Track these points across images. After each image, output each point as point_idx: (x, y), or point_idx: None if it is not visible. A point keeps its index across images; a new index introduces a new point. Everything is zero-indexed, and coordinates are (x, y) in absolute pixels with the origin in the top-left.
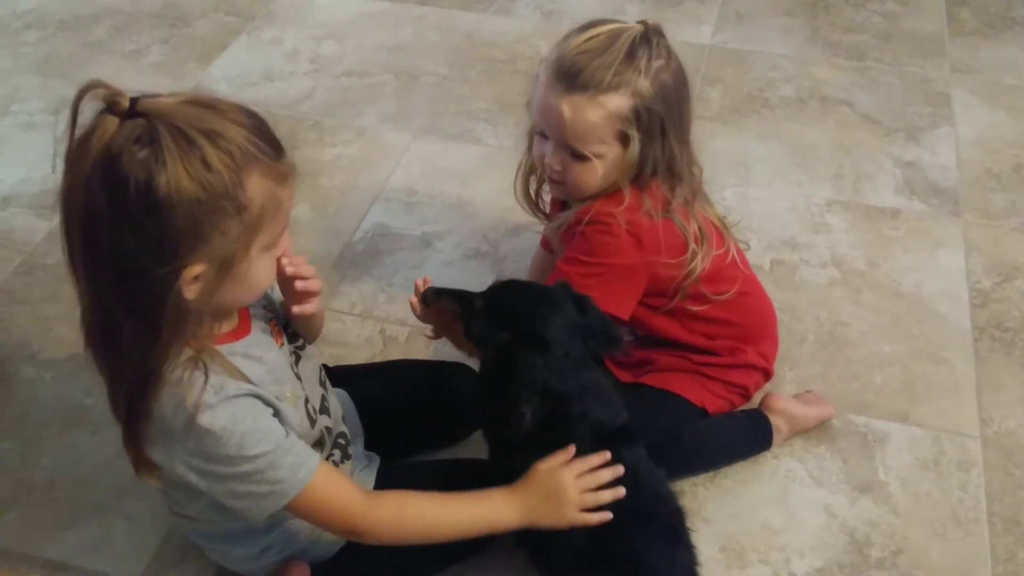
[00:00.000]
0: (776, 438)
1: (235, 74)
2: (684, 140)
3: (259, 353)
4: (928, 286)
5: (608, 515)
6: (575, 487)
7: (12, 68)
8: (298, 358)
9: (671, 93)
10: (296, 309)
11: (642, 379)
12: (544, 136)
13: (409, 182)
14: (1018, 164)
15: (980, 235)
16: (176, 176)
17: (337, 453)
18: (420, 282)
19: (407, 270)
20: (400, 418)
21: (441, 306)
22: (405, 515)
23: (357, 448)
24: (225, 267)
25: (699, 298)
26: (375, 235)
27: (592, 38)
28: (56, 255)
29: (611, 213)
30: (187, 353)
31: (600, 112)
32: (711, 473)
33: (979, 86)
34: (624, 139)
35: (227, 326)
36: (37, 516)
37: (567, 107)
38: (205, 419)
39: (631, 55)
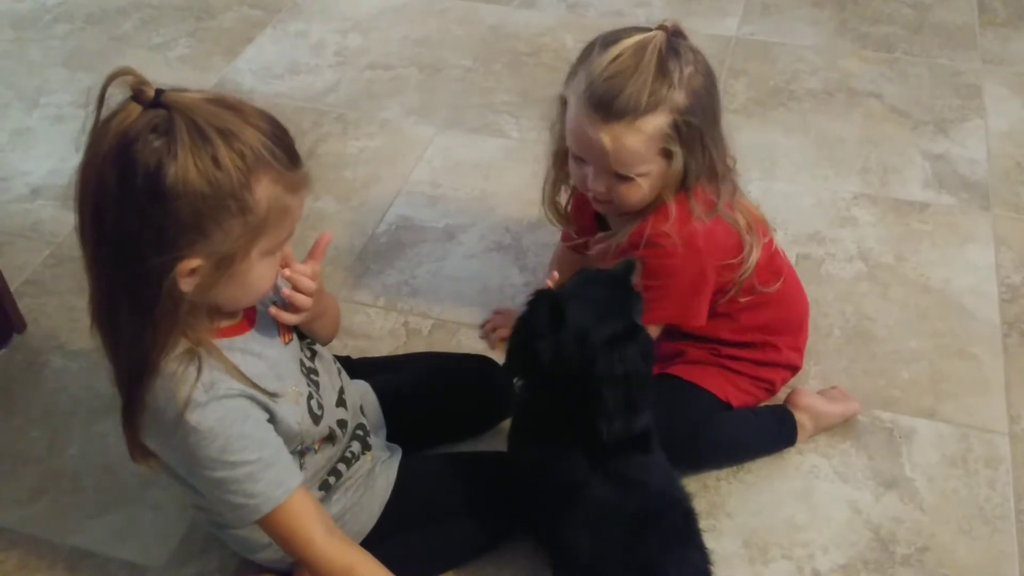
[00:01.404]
0: (800, 435)
1: (260, 67)
2: (719, 138)
3: (259, 349)
4: (956, 281)
5: None
6: None
7: (41, 61)
8: (314, 353)
9: (704, 97)
10: (272, 310)
11: (668, 369)
12: (582, 159)
13: (432, 175)
14: None
15: (1010, 229)
16: (184, 168)
17: (356, 445)
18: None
19: (430, 263)
20: (423, 410)
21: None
22: (358, 564)
23: (379, 440)
24: (223, 265)
25: (749, 290)
26: (399, 228)
27: (617, 58)
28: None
29: (664, 233)
30: (184, 345)
31: (640, 136)
32: (734, 468)
33: (1011, 78)
34: (668, 154)
35: (229, 320)
36: (64, 504)
37: (607, 138)
38: (193, 417)
39: (662, 70)
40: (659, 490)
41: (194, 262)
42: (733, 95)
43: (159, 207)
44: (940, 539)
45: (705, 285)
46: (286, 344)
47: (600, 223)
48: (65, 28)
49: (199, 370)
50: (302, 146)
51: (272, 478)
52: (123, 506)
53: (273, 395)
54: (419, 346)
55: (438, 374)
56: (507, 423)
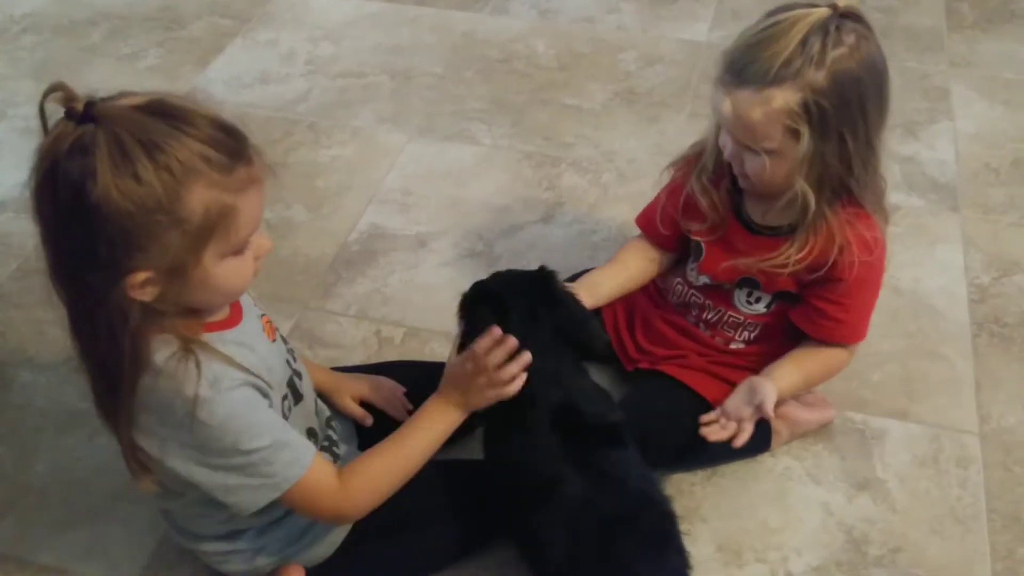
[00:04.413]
0: (775, 440)
1: (231, 76)
2: (863, 136)
3: (250, 342)
4: (926, 282)
5: (520, 382)
6: (488, 359)
7: (9, 73)
8: (295, 359)
9: (848, 85)
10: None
11: (660, 367)
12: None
13: (404, 182)
14: (1017, 159)
15: (979, 230)
16: (105, 188)
17: (327, 456)
18: None
19: (403, 271)
20: (395, 419)
21: None
22: (374, 477)
23: (351, 449)
24: (176, 274)
25: None
26: (371, 236)
27: (768, 27)
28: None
29: (878, 240)
30: (177, 343)
31: (764, 108)
32: (708, 472)
33: (978, 80)
34: (796, 135)
35: (217, 316)
36: (32, 520)
37: (730, 103)
38: (203, 414)
39: (804, 44)
40: (637, 489)
41: (141, 275)
42: (705, 100)
43: (87, 228)
44: (912, 539)
45: None
46: (272, 342)
47: (743, 223)
48: (32, 39)
49: (199, 365)
50: (273, 155)
51: (287, 457)
52: (92, 521)
53: (267, 384)
54: (391, 355)
55: (410, 383)
56: (480, 431)
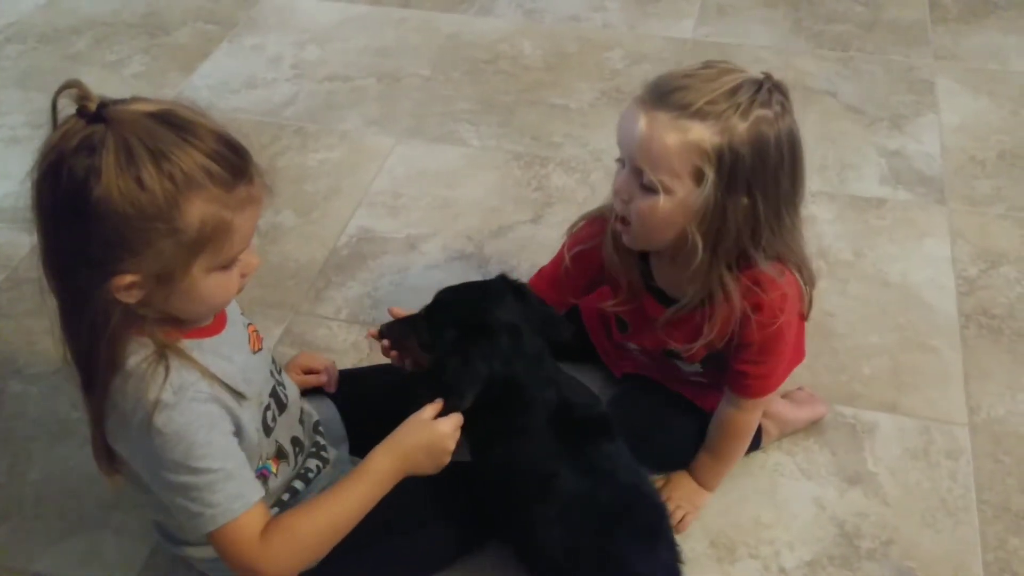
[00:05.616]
0: (764, 439)
1: (217, 82)
2: (776, 209)
3: (228, 352)
4: (914, 275)
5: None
6: (447, 443)
7: None
8: (280, 369)
9: (768, 149)
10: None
11: (645, 372)
12: (623, 164)
13: (393, 185)
14: (1002, 150)
15: (966, 222)
16: (107, 189)
17: (312, 462)
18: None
19: (392, 274)
20: (386, 423)
21: (397, 334)
22: (299, 536)
23: (342, 453)
24: (164, 281)
25: None
26: (360, 239)
27: (704, 68)
28: (40, 269)
29: (786, 296)
30: (152, 346)
31: (679, 137)
32: None
33: (963, 73)
34: (699, 178)
35: (199, 324)
36: (26, 530)
37: (645, 121)
38: (160, 419)
39: (734, 91)
40: (629, 483)
41: (128, 278)
42: None
43: (84, 226)
44: (904, 532)
45: None
46: (255, 352)
47: (655, 294)
48: (18, 48)
49: (167, 371)
50: (261, 161)
51: (232, 490)
52: (86, 530)
53: (241, 396)
54: (381, 359)
55: (401, 386)
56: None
